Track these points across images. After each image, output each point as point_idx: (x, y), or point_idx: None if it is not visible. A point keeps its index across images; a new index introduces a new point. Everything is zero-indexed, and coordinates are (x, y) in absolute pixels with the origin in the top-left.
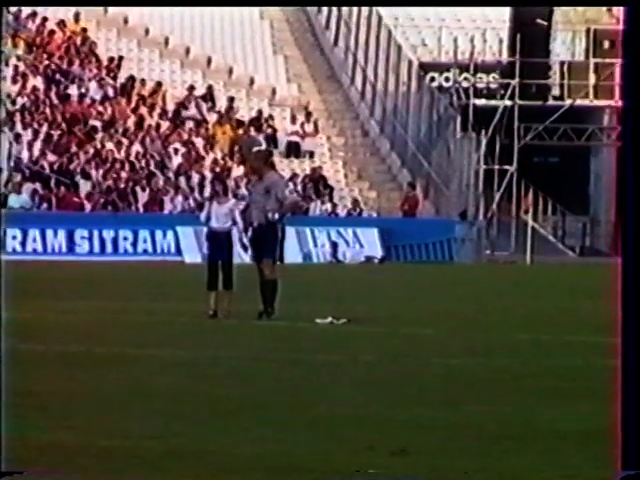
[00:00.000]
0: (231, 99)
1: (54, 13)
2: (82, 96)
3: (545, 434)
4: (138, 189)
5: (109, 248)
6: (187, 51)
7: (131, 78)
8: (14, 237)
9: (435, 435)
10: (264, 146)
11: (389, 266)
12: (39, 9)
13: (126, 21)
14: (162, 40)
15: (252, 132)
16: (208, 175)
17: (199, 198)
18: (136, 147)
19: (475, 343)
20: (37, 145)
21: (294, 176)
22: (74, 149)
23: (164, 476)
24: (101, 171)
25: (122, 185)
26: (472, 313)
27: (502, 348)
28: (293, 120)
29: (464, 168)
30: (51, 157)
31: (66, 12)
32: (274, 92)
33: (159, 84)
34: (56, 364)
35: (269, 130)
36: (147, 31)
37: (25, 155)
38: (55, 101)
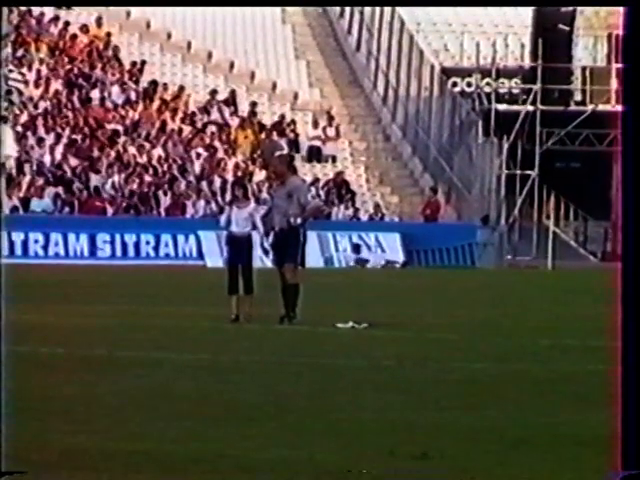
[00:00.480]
0: (253, 104)
1: (77, 17)
2: (104, 100)
3: (566, 440)
4: (160, 193)
5: (131, 252)
6: (209, 55)
7: (153, 82)
8: (36, 241)
9: (456, 440)
10: (286, 150)
11: (411, 271)
12: (61, 13)
13: (148, 25)
14: (184, 44)
15: (274, 136)
16: (230, 179)
17: (221, 202)
18: (158, 151)
19: (496, 348)
20: (59, 149)
21: (316, 181)
22: (96, 153)
23: (185, 479)
24: (123, 175)
25: (144, 189)
26: (493, 318)
27: (523, 353)
28: (315, 125)
29: (486, 173)
30: (73, 161)
31: (88, 16)
32: (296, 97)
33: (181, 88)
34: (78, 368)
35: (291, 135)
36: (169, 35)
37: (47, 159)
38: (77, 105)
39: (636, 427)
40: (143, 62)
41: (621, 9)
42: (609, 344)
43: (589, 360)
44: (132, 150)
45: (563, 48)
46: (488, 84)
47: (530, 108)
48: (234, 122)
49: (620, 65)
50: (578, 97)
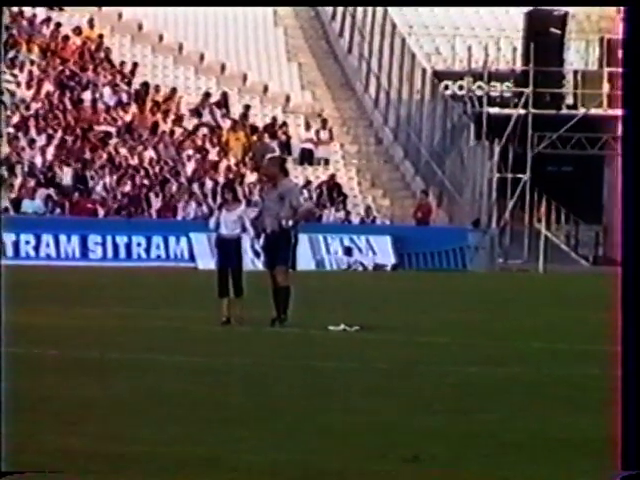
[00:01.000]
0: (246, 106)
1: (69, 19)
2: (96, 102)
3: (558, 443)
4: (152, 195)
5: (122, 254)
6: (201, 57)
7: (145, 84)
8: (27, 242)
9: (448, 443)
10: (277, 153)
11: (402, 274)
12: (53, 14)
13: (140, 27)
14: (176, 46)
15: (266, 139)
16: (222, 181)
17: (212, 204)
18: (150, 153)
19: (488, 352)
20: (50, 150)
21: (307, 183)
22: (88, 155)
23: None
24: (115, 177)
25: (136, 191)
26: (485, 321)
27: (515, 357)
28: (307, 127)
29: (477, 176)
30: (64, 162)
31: (80, 18)
32: (288, 99)
33: (173, 90)
34: (69, 370)
35: (283, 137)
36: (161, 37)
37: (39, 160)
38: (69, 107)
39: (636, 427)
40: (135, 64)
41: (614, 14)
42: (601, 348)
43: (581, 364)
44: (124, 152)
45: (555, 52)
46: (480, 87)
47: (522, 112)
48: (226, 124)
49: (612, 69)
50: (570, 101)
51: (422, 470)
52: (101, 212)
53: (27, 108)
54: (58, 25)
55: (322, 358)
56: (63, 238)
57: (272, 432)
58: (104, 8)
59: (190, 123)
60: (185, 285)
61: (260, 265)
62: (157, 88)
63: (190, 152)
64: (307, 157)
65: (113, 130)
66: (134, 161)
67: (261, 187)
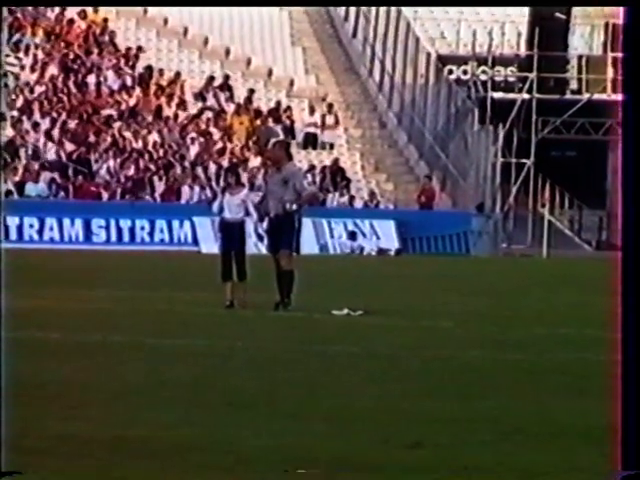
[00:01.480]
0: (250, 91)
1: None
2: (100, 85)
3: (560, 429)
4: (155, 179)
5: (126, 237)
6: (206, 41)
7: (149, 68)
8: (31, 226)
9: (450, 429)
10: (282, 137)
11: (405, 258)
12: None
13: (145, 11)
14: (181, 30)
15: (270, 123)
16: (226, 165)
17: (216, 188)
18: (154, 137)
19: (491, 337)
20: (55, 134)
21: (311, 168)
22: (92, 138)
23: (179, 466)
24: (119, 160)
25: (140, 175)
26: (488, 306)
27: (518, 342)
28: (311, 111)
29: (481, 161)
30: (69, 146)
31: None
32: (292, 83)
33: (177, 74)
34: (72, 353)
35: (287, 121)
36: (166, 21)
37: (43, 143)
38: (73, 90)
39: (636, 427)
40: (139, 48)
41: None
42: (604, 333)
43: (584, 349)
44: (128, 135)
45: (559, 36)
46: (484, 72)
47: (526, 96)
48: (230, 108)
49: (616, 54)
50: (574, 86)
51: (424, 456)
52: (105, 196)
53: (31, 91)
54: (63, 9)
55: (325, 342)
56: (67, 222)
57: (275, 416)
58: None
59: (194, 107)
60: (188, 269)
61: (264, 249)
62: (161, 72)
63: (194, 135)
64: (311, 141)
65: (116, 114)
66: (138, 145)
67: (265, 171)
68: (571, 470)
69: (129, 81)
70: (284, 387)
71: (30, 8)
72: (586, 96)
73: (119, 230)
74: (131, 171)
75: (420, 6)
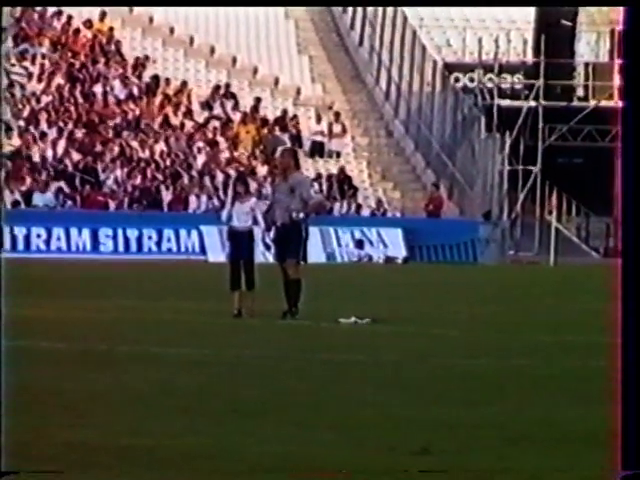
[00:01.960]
0: (257, 99)
1: (80, 12)
2: (106, 95)
3: (566, 435)
4: (163, 188)
5: (133, 247)
6: (212, 50)
7: (156, 77)
8: (38, 235)
9: (457, 435)
10: (288, 145)
11: (413, 266)
12: (64, 7)
13: (151, 20)
14: (187, 39)
15: (277, 132)
16: (232, 174)
17: (223, 197)
18: (161, 146)
19: (498, 344)
20: (61, 143)
21: (318, 176)
22: (99, 148)
23: (186, 475)
24: (126, 170)
25: (147, 184)
26: (495, 314)
27: (525, 349)
28: (318, 120)
29: (488, 169)
30: (75, 156)
31: (91, 11)
32: (299, 92)
33: (184, 83)
34: (79, 362)
35: (293, 130)
36: (172, 30)
37: (49, 153)
38: (80, 100)
39: (636, 427)
40: (146, 57)
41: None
42: (611, 340)
43: (591, 356)
44: (135, 145)
45: (566, 44)
46: (490, 80)
47: (532, 104)
48: (236, 117)
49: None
50: (580, 93)
51: (431, 462)
52: (112, 205)
53: (38, 101)
54: (69, 18)
55: (332, 351)
56: (74, 231)
57: (282, 425)
58: None
59: (201, 116)
60: (196, 278)
61: (271, 258)
62: (168, 81)
63: (201, 145)
64: (318, 150)
65: (124, 123)
66: (145, 154)
67: (272, 180)
68: (577, 476)
69: (136, 91)
70: (291, 395)
71: (36, 17)
72: (593, 103)
73: (126, 240)
74: (138, 180)
75: (424, 6)
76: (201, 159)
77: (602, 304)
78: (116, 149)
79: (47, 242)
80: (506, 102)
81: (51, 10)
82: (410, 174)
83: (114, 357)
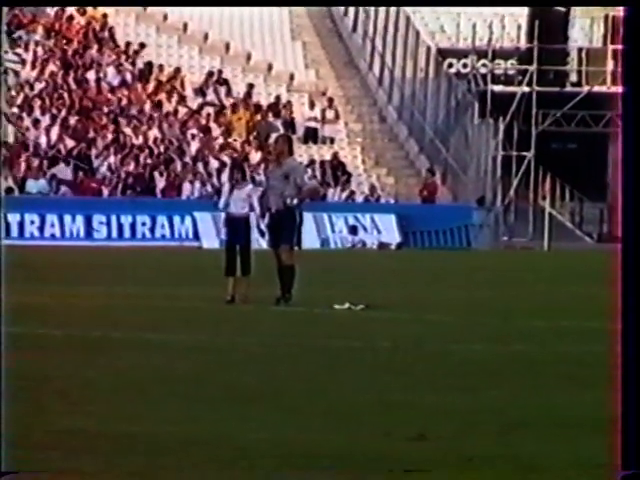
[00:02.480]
0: (250, 85)
1: None
2: (100, 81)
3: (562, 421)
4: (156, 174)
5: (127, 233)
6: (205, 37)
7: (149, 64)
8: (32, 222)
9: (453, 421)
10: (282, 131)
11: (407, 252)
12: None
13: (145, 7)
14: (181, 26)
15: (270, 118)
16: (226, 160)
17: (217, 184)
18: (154, 132)
19: (493, 329)
20: (55, 130)
21: (312, 162)
22: (92, 134)
23: (182, 461)
24: (119, 156)
25: (140, 170)
26: (490, 299)
27: (519, 334)
28: (311, 106)
29: (482, 154)
30: (69, 142)
31: None
32: (292, 78)
33: (177, 70)
34: (74, 349)
35: (287, 116)
36: (165, 17)
37: (43, 140)
38: (73, 86)
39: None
40: (142, 45)
41: None
42: (606, 325)
43: (586, 341)
44: (128, 131)
45: (559, 29)
46: (484, 65)
47: (526, 89)
48: (230, 103)
49: (616, 46)
50: (574, 78)
51: (427, 448)
52: (105, 192)
53: (31, 88)
54: (63, 5)
55: (327, 337)
56: (68, 218)
57: (277, 411)
58: None
59: (194, 102)
60: (190, 264)
61: (265, 244)
62: (161, 67)
63: (194, 131)
64: (311, 136)
65: (117, 110)
66: (138, 140)
67: (265, 166)
68: (574, 461)
69: (129, 77)
70: (286, 381)
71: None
72: (586, 88)
73: (120, 226)
74: (131, 167)
75: (421, 6)
76: (194, 145)
77: (596, 289)
78: (109, 135)
79: (41, 229)
80: (499, 88)
81: None
82: (404, 160)
83: (108, 344)
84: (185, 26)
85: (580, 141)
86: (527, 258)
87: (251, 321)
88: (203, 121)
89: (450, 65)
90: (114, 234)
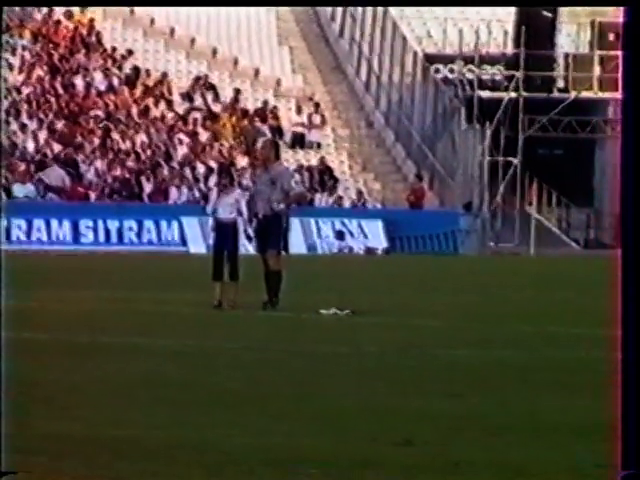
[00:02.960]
0: (237, 91)
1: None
2: (87, 86)
3: (549, 427)
4: (143, 179)
5: (114, 238)
6: (192, 42)
7: (136, 69)
8: (19, 227)
9: (439, 427)
10: (269, 136)
11: (393, 257)
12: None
13: (132, 11)
14: (168, 31)
15: (257, 123)
16: (213, 165)
17: (204, 189)
18: (141, 137)
19: (479, 335)
20: (42, 135)
21: (299, 167)
22: (79, 139)
23: (169, 466)
24: (106, 161)
25: (127, 175)
26: (476, 305)
27: (506, 340)
28: (298, 111)
29: (469, 160)
30: (56, 147)
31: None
32: (279, 83)
33: (164, 75)
34: (61, 354)
35: (274, 121)
36: (152, 21)
37: (30, 145)
38: (60, 91)
39: (636, 427)
40: (130, 51)
41: None
42: (592, 331)
43: (572, 347)
44: (115, 136)
45: (546, 35)
46: (471, 71)
47: (513, 95)
48: (217, 108)
49: (603, 52)
50: (561, 84)
51: (414, 453)
52: (93, 197)
53: (19, 92)
54: (50, 10)
55: (313, 342)
56: (54, 223)
57: (263, 416)
58: None
59: (181, 107)
60: (177, 269)
61: (252, 249)
62: (148, 72)
63: (181, 136)
64: (298, 141)
65: (104, 114)
66: (126, 145)
67: (253, 171)
68: (561, 466)
69: (116, 82)
70: (272, 386)
71: (17, 9)
72: (573, 94)
73: (107, 231)
74: (118, 172)
75: (408, 6)
76: (181, 150)
77: (583, 295)
78: (96, 140)
79: (28, 233)
80: (486, 93)
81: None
82: (391, 165)
83: (95, 348)
84: (172, 31)
85: (567, 147)
86: (514, 264)
87: (238, 326)
88: (190, 126)
89: (437, 71)
90: (101, 239)
